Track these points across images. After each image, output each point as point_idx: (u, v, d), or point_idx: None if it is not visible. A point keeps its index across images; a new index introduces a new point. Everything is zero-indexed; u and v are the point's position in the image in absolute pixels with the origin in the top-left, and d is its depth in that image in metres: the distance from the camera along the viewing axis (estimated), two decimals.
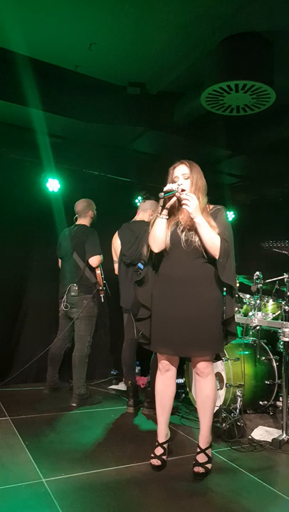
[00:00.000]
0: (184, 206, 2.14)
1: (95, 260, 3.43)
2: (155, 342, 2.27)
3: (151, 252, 2.30)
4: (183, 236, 2.20)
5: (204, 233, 2.14)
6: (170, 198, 2.19)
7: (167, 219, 2.23)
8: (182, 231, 2.21)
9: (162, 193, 2.14)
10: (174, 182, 2.24)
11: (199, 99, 2.94)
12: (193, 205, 2.12)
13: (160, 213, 2.21)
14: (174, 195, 2.17)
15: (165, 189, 2.16)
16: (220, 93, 2.78)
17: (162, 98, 3.45)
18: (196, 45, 2.74)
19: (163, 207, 2.20)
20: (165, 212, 2.21)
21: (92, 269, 3.48)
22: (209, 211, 2.26)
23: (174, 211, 2.28)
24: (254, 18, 2.49)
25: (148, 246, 2.30)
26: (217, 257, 2.16)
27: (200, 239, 2.16)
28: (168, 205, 2.19)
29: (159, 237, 2.23)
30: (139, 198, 4.23)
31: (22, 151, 3.87)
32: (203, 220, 2.14)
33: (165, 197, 2.15)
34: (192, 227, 2.19)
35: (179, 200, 2.22)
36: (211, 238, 2.14)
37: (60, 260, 3.71)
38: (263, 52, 2.67)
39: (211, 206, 2.30)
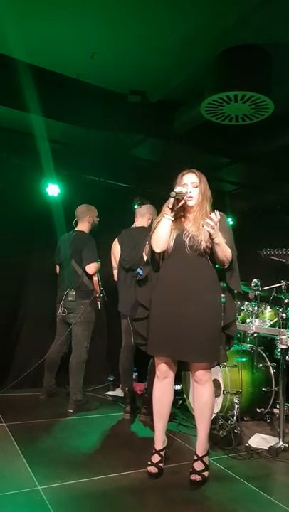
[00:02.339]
0: (205, 227, 2.11)
1: (91, 267, 3.44)
2: (153, 344, 2.28)
3: (152, 252, 2.31)
4: (187, 241, 2.22)
5: (221, 250, 2.19)
6: (179, 201, 2.22)
7: (173, 220, 2.26)
8: (187, 237, 2.23)
9: (174, 193, 2.18)
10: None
11: (199, 108, 2.97)
12: (217, 229, 2.12)
13: (167, 213, 2.24)
14: (183, 198, 2.22)
15: (176, 190, 2.20)
16: (219, 103, 2.81)
17: (163, 106, 3.47)
18: (197, 55, 2.78)
19: (172, 208, 2.23)
20: (172, 213, 2.24)
21: (90, 276, 3.48)
22: None
23: (179, 216, 2.31)
24: (253, 31, 2.53)
25: (150, 246, 2.31)
26: (226, 267, 2.24)
27: (215, 253, 2.21)
28: (176, 207, 2.23)
29: (162, 237, 2.25)
30: (136, 204, 4.25)
31: (23, 156, 3.89)
32: (221, 240, 2.17)
33: (176, 197, 2.19)
34: (198, 235, 2.22)
35: (185, 207, 2.27)
36: (225, 253, 2.21)
37: (57, 266, 3.72)
38: (261, 64, 2.70)
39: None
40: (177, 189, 2.21)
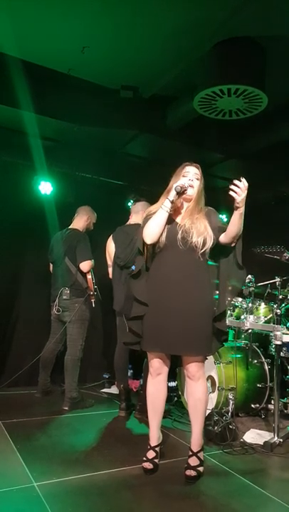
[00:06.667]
0: (236, 197, 2.10)
1: (85, 265, 3.43)
2: (145, 340, 2.27)
3: (144, 245, 2.29)
4: (180, 235, 2.21)
5: (240, 222, 2.19)
6: (180, 195, 2.21)
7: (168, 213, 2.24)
8: (180, 230, 2.22)
9: (178, 187, 2.17)
10: (184, 176, 2.27)
11: (192, 103, 2.96)
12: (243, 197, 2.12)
13: (165, 205, 2.21)
14: (185, 192, 2.21)
15: (180, 184, 2.19)
16: (212, 97, 2.80)
17: (155, 102, 3.46)
18: (189, 49, 2.77)
19: (172, 201, 2.20)
20: (171, 206, 2.21)
21: (84, 274, 3.47)
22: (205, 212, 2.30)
23: (174, 210, 2.29)
24: (247, 24, 2.52)
25: (141, 238, 2.27)
26: (233, 245, 2.27)
27: (233, 225, 2.19)
28: (176, 200, 2.23)
29: (156, 229, 2.22)
30: (131, 201, 4.24)
31: (14, 153, 3.86)
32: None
33: (180, 191, 2.18)
34: (190, 227, 2.21)
35: (182, 199, 2.28)
36: (241, 227, 2.22)
37: (51, 264, 3.70)
38: (255, 57, 2.70)
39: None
40: (180, 182, 2.20)
